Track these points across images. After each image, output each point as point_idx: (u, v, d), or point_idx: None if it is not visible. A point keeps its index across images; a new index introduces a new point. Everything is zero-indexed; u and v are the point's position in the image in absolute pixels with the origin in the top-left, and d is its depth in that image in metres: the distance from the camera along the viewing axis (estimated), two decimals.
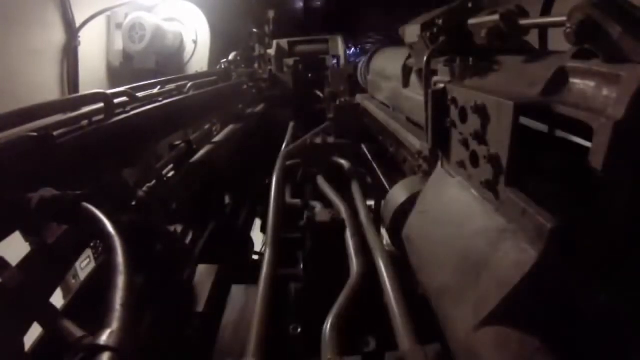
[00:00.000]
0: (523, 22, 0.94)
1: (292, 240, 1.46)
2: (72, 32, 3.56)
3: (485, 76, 1.02)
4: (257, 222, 2.99)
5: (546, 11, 1.05)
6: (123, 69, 4.21)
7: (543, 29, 1.08)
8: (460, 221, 0.94)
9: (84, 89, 3.66)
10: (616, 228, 0.66)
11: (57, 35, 3.47)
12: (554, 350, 0.65)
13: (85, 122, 1.36)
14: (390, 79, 2.38)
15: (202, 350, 1.13)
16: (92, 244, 1.42)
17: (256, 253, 2.56)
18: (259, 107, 3.82)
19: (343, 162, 1.94)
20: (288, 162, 1.98)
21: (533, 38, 1.07)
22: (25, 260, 0.94)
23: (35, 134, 1.05)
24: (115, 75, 4.26)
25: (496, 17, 0.98)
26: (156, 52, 4.20)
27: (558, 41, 0.79)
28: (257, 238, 2.82)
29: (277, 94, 4.23)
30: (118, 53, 4.25)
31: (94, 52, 4.07)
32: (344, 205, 1.46)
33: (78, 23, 3.60)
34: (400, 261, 1.19)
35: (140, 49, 4.07)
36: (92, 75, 3.97)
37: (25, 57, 3.08)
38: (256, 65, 4.65)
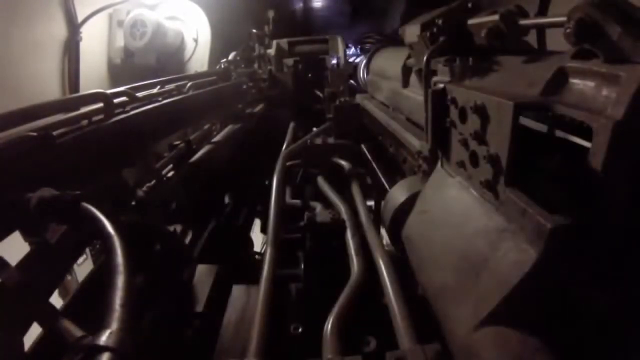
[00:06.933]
0: (523, 22, 0.95)
1: (293, 240, 1.45)
2: (73, 27, 3.59)
3: (485, 76, 1.02)
4: (257, 222, 2.99)
5: (542, 12, 1.05)
6: (124, 65, 4.23)
7: (542, 30, 1.08)
8: (460, 221, 0.94)
9: (85, 84, 3.68)
10: (616, 228, 0.66)
11: (59, 29, 3.51)
12: (554, 350, 0.65)
13: (85, 122, 1.36)
14: (390, 79, 2.38)
15: (202, 351, 1.13)
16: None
17: (256, 253, 2.56)
18: (259, 107, 3.82)
19: (343, 162, 1.94)
20: (288, 163, 1.98)
21: (531, 38, 1.07)
22: (25, 260, 0.93)
23: (34, 133, 1.05)
24: (116, 71, 4.28)
25: (496, 17, 0.98)
26: (157, 49, 4.22)
27: (557, 42, 0.79)
28: (257, 238, 2.82)
29: (277, 94, 4.23)
30: (119, 50, 4.27)
31: (96, 48, 4.10)
32: (344, 206, 1.46)
33: (80, 18, 3.63)
34: (400, 261, 1.19)
35: (141, 45, 4.10)
36: (93, 70, 4.00)
37: (27, 48, 3.11)
38: (256, 65, 4.64)
